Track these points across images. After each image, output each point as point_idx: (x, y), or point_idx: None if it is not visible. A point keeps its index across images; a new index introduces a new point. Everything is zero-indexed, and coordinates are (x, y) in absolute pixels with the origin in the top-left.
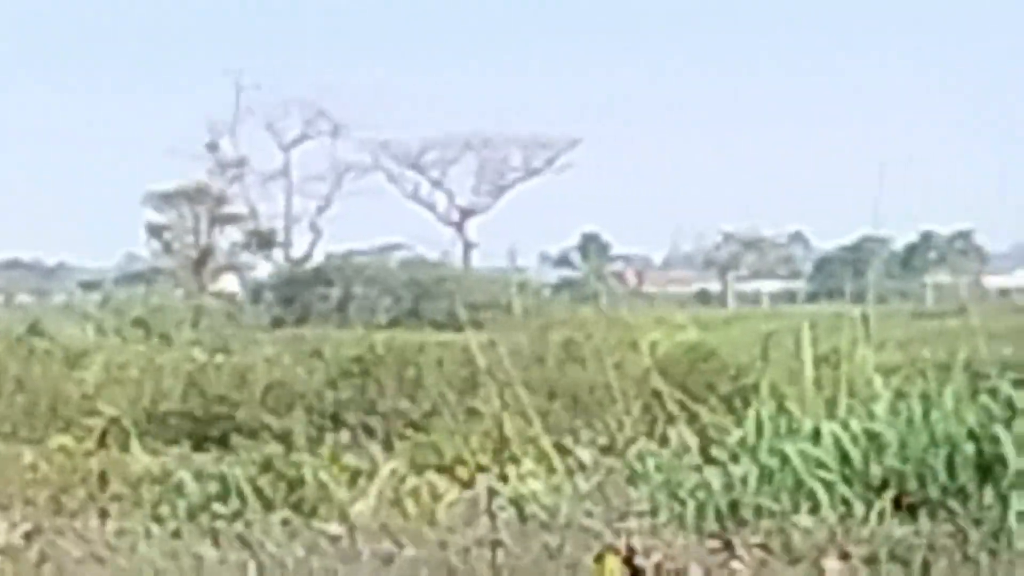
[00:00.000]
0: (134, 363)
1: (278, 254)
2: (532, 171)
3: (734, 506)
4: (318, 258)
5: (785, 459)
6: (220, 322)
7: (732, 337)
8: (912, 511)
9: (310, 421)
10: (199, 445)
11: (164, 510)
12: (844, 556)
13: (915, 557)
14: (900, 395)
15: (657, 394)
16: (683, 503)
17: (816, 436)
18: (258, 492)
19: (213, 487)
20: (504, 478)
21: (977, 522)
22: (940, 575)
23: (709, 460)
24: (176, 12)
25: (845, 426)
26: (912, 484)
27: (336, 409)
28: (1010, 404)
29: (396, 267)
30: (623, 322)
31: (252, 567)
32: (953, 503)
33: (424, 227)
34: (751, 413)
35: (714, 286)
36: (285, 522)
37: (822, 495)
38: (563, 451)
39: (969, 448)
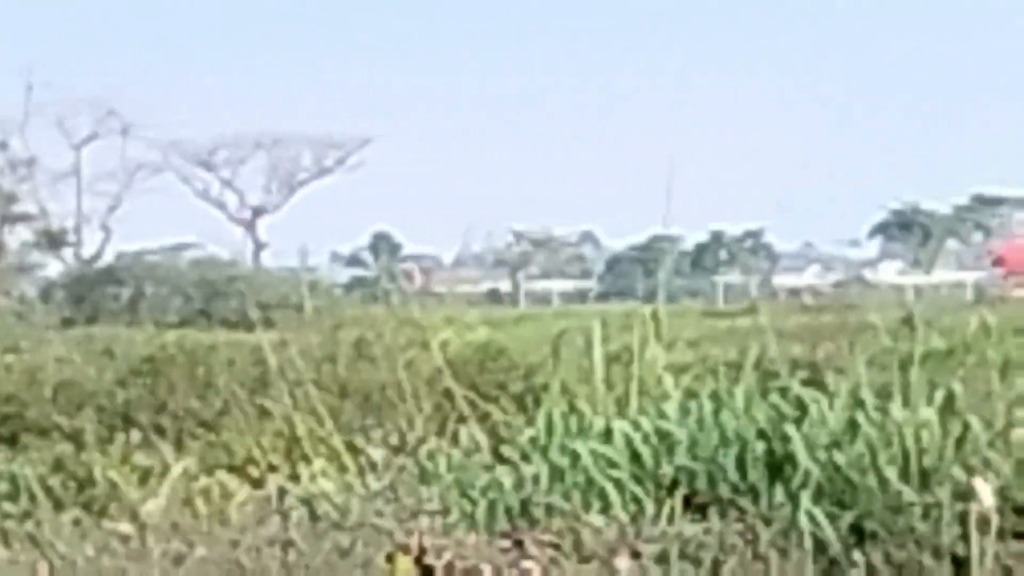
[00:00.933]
0: None
1: (68, 253)
2: (323, 170)
3: (525, 505)
4: (108, 257)
5: (576, 458)
6: (10, 321)
7: (523, 336)
8: (702, 510)
9: (100, 421)
10: None
11: None
12: (635, 555)
13: (706, 555)
14: (691, 394)
15: (448, 393)
16: (474, 502)
17: (607, 435)
18: (48, 491)
19: (3, 487)
20: (295, 477)
21: (767, 520)
22: (730, 573)
23: (500, 459)
24: None
25: (636, 425)
26: (702, 483)
27: (127, 409)
28: (800, 403)
29: (187, 266)
30: (414, 321)
31: (43, 567)
32: (743, 502)
33: (215, 226)
34: (542, 412)
35: (505, 285)
36: (76, 522)
37: (613, 494)
38: (354, 450)
39: (759, 447)
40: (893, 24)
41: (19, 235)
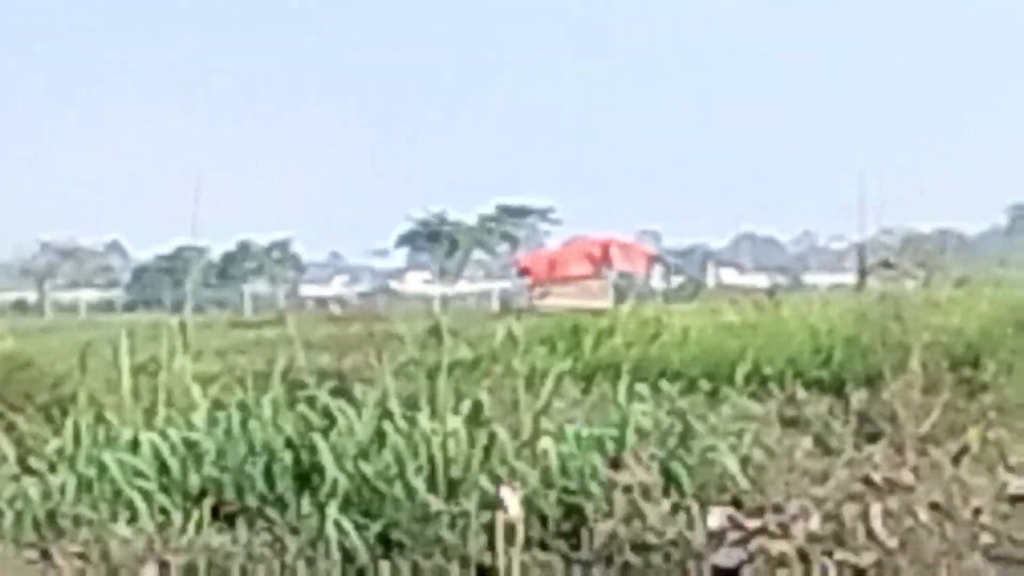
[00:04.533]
0: None
1: None
2: None
3: (52, 516)
4: None
5: (104, 469)
6: None
7: (50, 346)
8: (230, 520)
9: None
10: None
11: None
12: (163, 565)
13: (233, 565)
14: (219, 405)
15: None
16: (1, 513)
17: (134, 446)
18: None
19: None
20: None
21: (295, 530)
22: None
23: (27, 470)
24: None
25: (164, 436)
26: (230, 493)
27: None
28: (328, 413)
29: None
30: None
31: None
32: (271, 512)
33: None
34: (69, 423)
35: (31, 295)
36: None
37: (141, 504)
38: None
39: (287, 457)
40: (420, 29)
41: None
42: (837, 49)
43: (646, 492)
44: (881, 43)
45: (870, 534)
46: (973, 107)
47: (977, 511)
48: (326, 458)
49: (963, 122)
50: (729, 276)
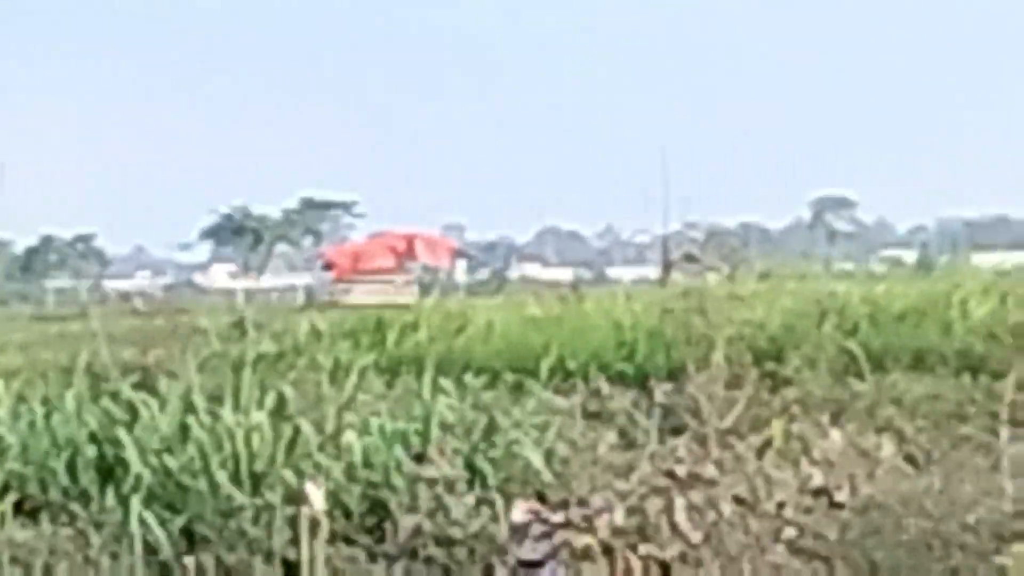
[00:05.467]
0: None
1: None
2: None
3: None
4: None
5: None
6: None
7: None
8: (34, 514)
9: None
10: None
11: None
12: None
13: (37, 560)
14: (21, 399)
15: None
16: None
17: None
18: None
19: None
20: None
21: (98, 525)
22: None
23: None
24: None
25: None
26: (34, 487)
27: None
28: (131, 407)
29: None
30: None
31: None
32: (75, 506)
33: None
34: None
35: None
36: None
37: None
38: None
39: (91, 451)
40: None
41: None
42: (648, 44)
43: (450, 486)
44: (695, 38)
45: (674, 528)
46: (772, 101)
47: (780, 505)
48: (130, 452)
49: (764, 116)
50: (533, 270)
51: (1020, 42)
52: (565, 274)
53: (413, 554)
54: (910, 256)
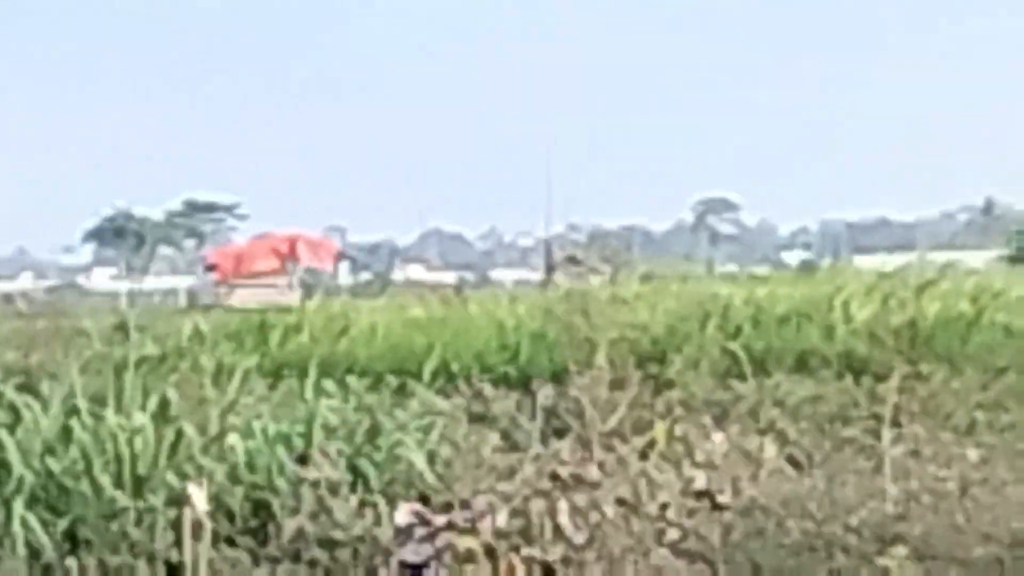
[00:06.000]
0: None
1: None
2: None
3: None
4: None
5: None
6: None
7: None
8: None
9: None
10: None
11: None
12: None
13: None
14: None
15: None
16: None
17: None
18: None
19: None
20: None
21: None
22: None
23: None
24: None
25: None
26: None
27: None
28: (14, 410)
29: None
30: None
31: None
32: None
33: None
34: None
35: None
36: None
37: None
38: None
39: None
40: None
41: None
42: (529, 46)
43: (333, 488)
44: (578, 39)
45: (557, 530)
46: (658, 106)
47: (664, 506)
48: (12, 455)
49: (648, 120)
50: (416, 272)
51: (899, 44)
52: (448, 276)
53: (296, 556)
54: (793, 258)
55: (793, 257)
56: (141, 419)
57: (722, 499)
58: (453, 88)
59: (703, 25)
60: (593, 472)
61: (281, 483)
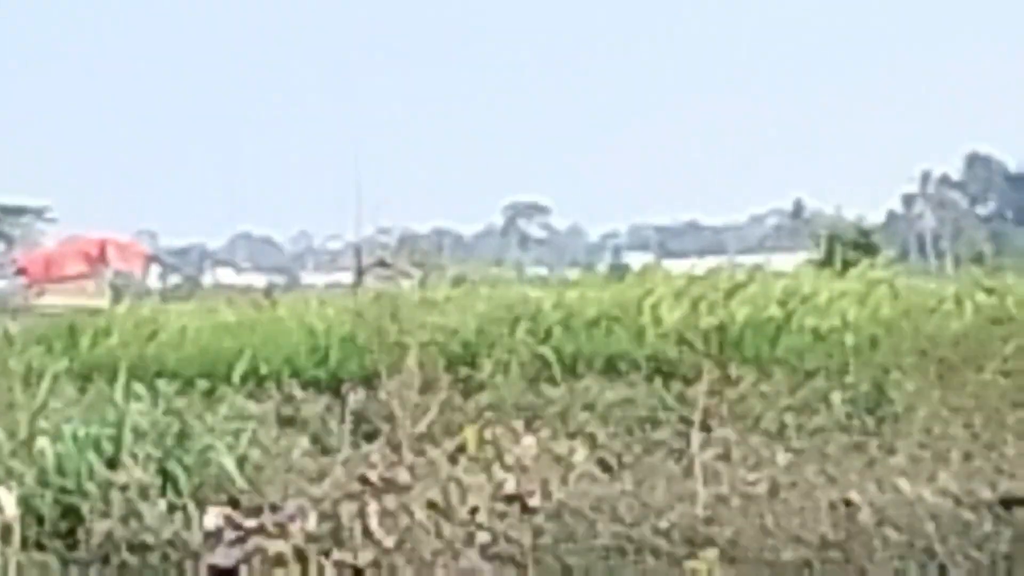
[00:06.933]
0: None
1: None
2: None
3: None
4: None
5: None
6: None
7: None
8: None
9: None
10: None
11: None
12: None
13: None
14: None
15: None
16: None
17: None
18: None
19: None
20: None
21: None
22: None
23: None
24: None
25: None
26: None
27: None
28: None
29: None
30: None
31: None
32: None
33: None
34: None
35: None
36: None
37: None
38: None
39: None
40: None
41: None
42: (339, 46)
43: (143, 492)
44: (386, 40)
45: (367, 533)
46: (464, 105)
47: (474, 510)
48: None
49: (457, 122)
50: (226, 276)
51: (710, 49)
52: (259, 280)
53: (105, 560)
54: (603, 262)
55: (636, 260)
56: None
57: (532, 502)
58: (261, 91)
59: (513, 23)
60: (403, 475)
61: (91, 487)
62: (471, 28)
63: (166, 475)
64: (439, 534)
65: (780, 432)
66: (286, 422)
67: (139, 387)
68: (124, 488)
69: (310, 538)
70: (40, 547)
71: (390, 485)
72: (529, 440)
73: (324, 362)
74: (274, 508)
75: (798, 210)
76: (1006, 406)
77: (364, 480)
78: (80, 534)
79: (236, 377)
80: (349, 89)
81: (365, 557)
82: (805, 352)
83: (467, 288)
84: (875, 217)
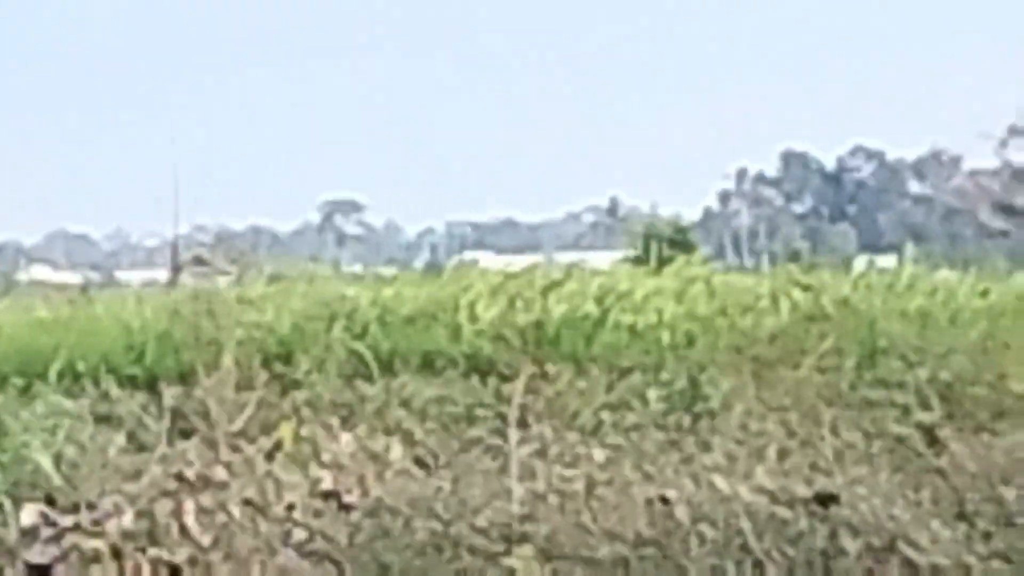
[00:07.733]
0: None
1: None
2: None
3: None
4: None
5: None
6: None
7: None
8: None
9: None
10: None
11: None
12: None
13: None
14: None
15: None
16: None
17: None
18: None
19: None
20: None
21: None
22: None
23: None
24: None
25: None
26: None
27: None
28: None
29: None
30: None
31: None
32: None
33: None
34: None
35: None
36: None
37: None
38: None
39: None
40: None
41: None
42: (183, 42)
43: None
44: (228, 39)
45: (183, 531)
46: (279, 107)
47: (290, 507)
48: None
49: (271, 121)
50: (42, 273)
51: (523, 47)
52: (74, 277)
53: None
54: (420, 259)
55: (454, 257)
56: None
57: (349, 499)
58: (77, 86)
59: (326, 24)
60: (220, 473)
61: None
62: (288, 27)
63: None
64: (256, 531)
65: (597, 429)
66: (102, 419)
67: None
68: None
69: (126, 535)
70: None
71: (206, 482)
72: (346, 437)
73: (140, 359)
74: (90, 506)
75: (614, 207)
76: (822, 403)
77: (180, 477)
78: None
79: (52, 374)
80: (166, 86)
81: (181, 554)
82: (621, 349)
83: (284, 285)
84: (691, 215)
